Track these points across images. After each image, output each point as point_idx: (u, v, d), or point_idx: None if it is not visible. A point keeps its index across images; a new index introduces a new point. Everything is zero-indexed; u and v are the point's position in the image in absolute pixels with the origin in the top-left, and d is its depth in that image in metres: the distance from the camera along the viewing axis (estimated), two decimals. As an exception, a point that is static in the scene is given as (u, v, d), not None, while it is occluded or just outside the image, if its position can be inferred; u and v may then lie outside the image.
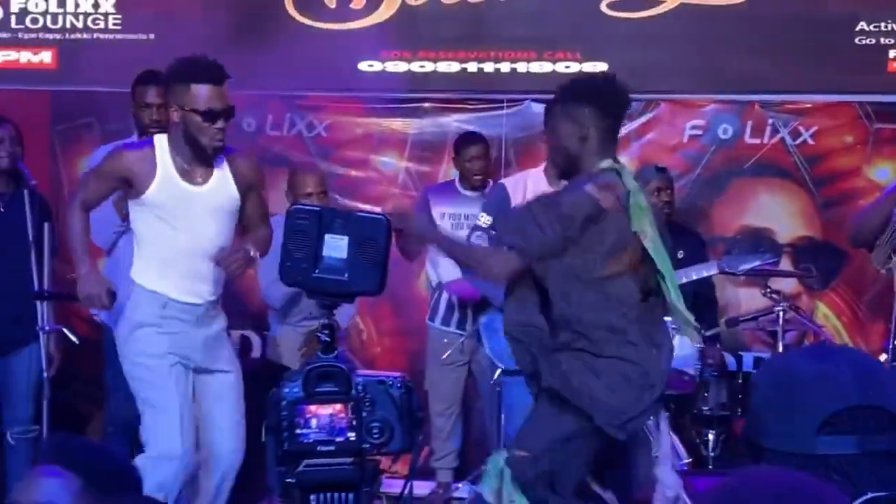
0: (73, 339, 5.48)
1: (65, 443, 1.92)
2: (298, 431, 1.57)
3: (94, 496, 1.83)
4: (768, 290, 5.85)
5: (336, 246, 1.60)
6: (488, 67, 6.62)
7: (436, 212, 6.16)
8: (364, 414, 1.58)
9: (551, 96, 5.95)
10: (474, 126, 6.57)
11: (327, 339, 1.61)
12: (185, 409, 4.40)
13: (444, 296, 6.13)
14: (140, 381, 4.47)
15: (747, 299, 6.38)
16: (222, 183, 4.46)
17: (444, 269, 6.05)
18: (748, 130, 6.61)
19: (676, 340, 5.41)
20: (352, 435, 1.58)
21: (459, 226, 6.08)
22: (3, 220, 5.32)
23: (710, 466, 5.72)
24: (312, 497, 1.59)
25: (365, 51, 6.63)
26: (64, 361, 5.48)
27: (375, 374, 1.62)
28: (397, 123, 6.72)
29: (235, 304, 6.23)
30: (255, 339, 6.67)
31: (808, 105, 6.58)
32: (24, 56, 6.82)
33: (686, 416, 5.85)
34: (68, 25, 6.81)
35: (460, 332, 6.09)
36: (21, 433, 5.54)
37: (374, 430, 1.58)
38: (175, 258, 4.42)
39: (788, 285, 6.41)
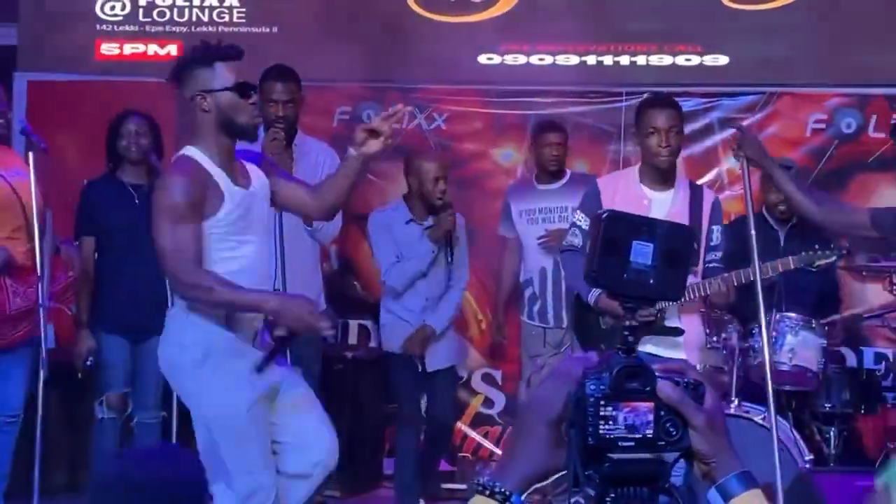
0: (201, 326, 5.61)
1: (126, 466, 1.89)
2: (602, 427, 1.61)
3: None
4: (892, 286, 5.79)
5: (643, 252, 1.65)
6: (608, 60, 6.62)
7: (514, 211, 6.21)
8: (662, 412, 1.62)
9: (670, 89, 6.02)
10: (592, 119, 6.59)
11: (632, 339, 1.66)
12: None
13: (530, 289, 6.16)
14: (224, 421, 4.06)
15: (872, 295, 6.29)
16: (256, 176, 4.17)
17: (531, 261, 6.10)
18: (872, 124, 6.51)
19: (801, 337, 5.41)
20: (649, 432, 1.62)
21: (534, 221, 6.11)
22: (137, 210, 5.44)
23: (832, 464, 5.65)
24: (611, 489, 1.63)
25: (484, 44, 6.68)
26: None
27: (669, 375, 1.66)
28: (516, 116, 6.73)
29: (356, 294, 6.35)
30: (373, 328, 6.74)
31: (935, 98, 6.46)
32: (151, 48, 6.98)
33: (807, 414, 5.79)
34: (194, 18, 6.96)
35: (543, 324, 6.12)
36: (147, 418, 5.69)
37: (670, 428, 1.63)
38: (243, 272, 4.05)
39: (913, 282, 6.31)
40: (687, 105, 6.38)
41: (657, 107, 4.99)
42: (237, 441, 4.05)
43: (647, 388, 1.60)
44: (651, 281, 1.62)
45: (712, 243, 5.06)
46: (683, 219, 5.02)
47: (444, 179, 5.68)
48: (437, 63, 6.71)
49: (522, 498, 1.62)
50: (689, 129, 6.37)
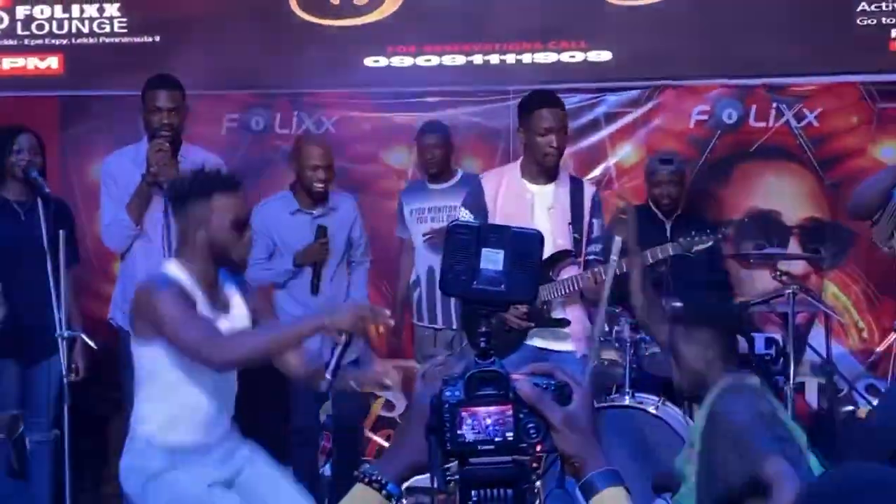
0: (92, 344, 5.53)
1: None
2: (460, 432, 1.63)
3: None
4: (778, 272, 5.94)
5: (493, 259, 1.67)
6: (494, 59, 6.67)
7: (406, 210, 6.26)
8: (521, 415, 1.64)
9: (556, 86, 6.08)
10: (481, 118, 6.63)
11: (486, 345, 1.67)
12: None
13: (418, 291, 6.20)
14: None
15: (758, 282, 6.42)
16: (236, 304, 3.98)
17: (420, 261, 6.15)
18: (753, 114, 6.64)
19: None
20: (510, 435, 1.63)
21: (423, 220, 6.17)
22: (23, 228, 5.33)
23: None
24: (473, 493, 1.65)
25: (370, 47, 6.67)
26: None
27: (531, 378, 1.67)
28: (405, 118, 6.74)
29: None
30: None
31: (812, 87, 6.59)
32: (31, 62, 6.85)
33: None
34: (74, 30, 6.83)
35: (433, 325, 6.15)
36: (40, 438, 5.59)
37: (531, 430, 1.64)
38: (199, 402, 3.91)
39: (798, 266, 6.46)
40: (572, 101, 6.45)
41: (547, 107, 5.04)
42: None
43: (503, 392, 1.62)
44: (502, 287, 1.64)
45: (593, 236, 5.15)
46: (565, 213, 5.10)
47: (324, 169, 5.57)
48: (323, 67, 6.69)
49: (400, 487, 1.68)
50: (575, 124, 6.45)
